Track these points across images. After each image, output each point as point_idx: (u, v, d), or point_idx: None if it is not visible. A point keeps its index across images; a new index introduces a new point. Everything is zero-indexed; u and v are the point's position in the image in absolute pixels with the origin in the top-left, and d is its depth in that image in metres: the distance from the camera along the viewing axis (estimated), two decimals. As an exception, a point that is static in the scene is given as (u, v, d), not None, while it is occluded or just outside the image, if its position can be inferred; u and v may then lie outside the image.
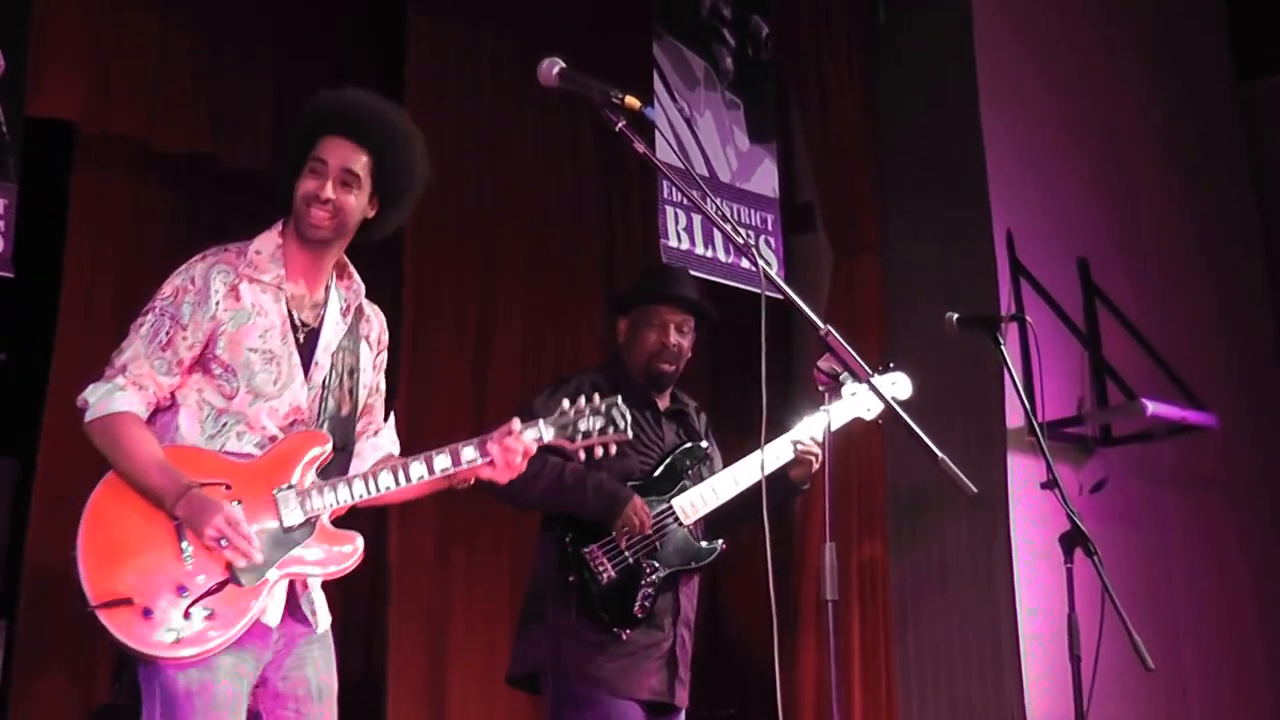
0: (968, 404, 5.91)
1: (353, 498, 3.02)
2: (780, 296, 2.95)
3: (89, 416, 2.94)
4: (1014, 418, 5.92)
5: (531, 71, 2.97)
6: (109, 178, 5.39)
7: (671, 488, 4.03)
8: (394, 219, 3.16)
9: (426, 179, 3.15)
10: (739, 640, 6.32)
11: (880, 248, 6.37)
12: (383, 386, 3.27)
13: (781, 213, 6.16)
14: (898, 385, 4.08)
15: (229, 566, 2.89)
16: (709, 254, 5.85)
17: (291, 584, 3.00)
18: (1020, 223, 6.22)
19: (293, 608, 3.01)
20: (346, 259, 3.18)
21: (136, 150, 5.38)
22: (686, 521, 3.99)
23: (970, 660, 5.99)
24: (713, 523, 4.08)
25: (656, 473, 4.03)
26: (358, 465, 3.15)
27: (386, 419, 3.27)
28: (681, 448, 4.09)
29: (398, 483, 3.04)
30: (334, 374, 3.10)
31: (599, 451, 3.16)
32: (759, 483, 3.75)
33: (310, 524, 2.98)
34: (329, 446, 3.03)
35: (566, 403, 3.17)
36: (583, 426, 3.16)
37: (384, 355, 3.26)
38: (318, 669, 3.04)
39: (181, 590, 2.84)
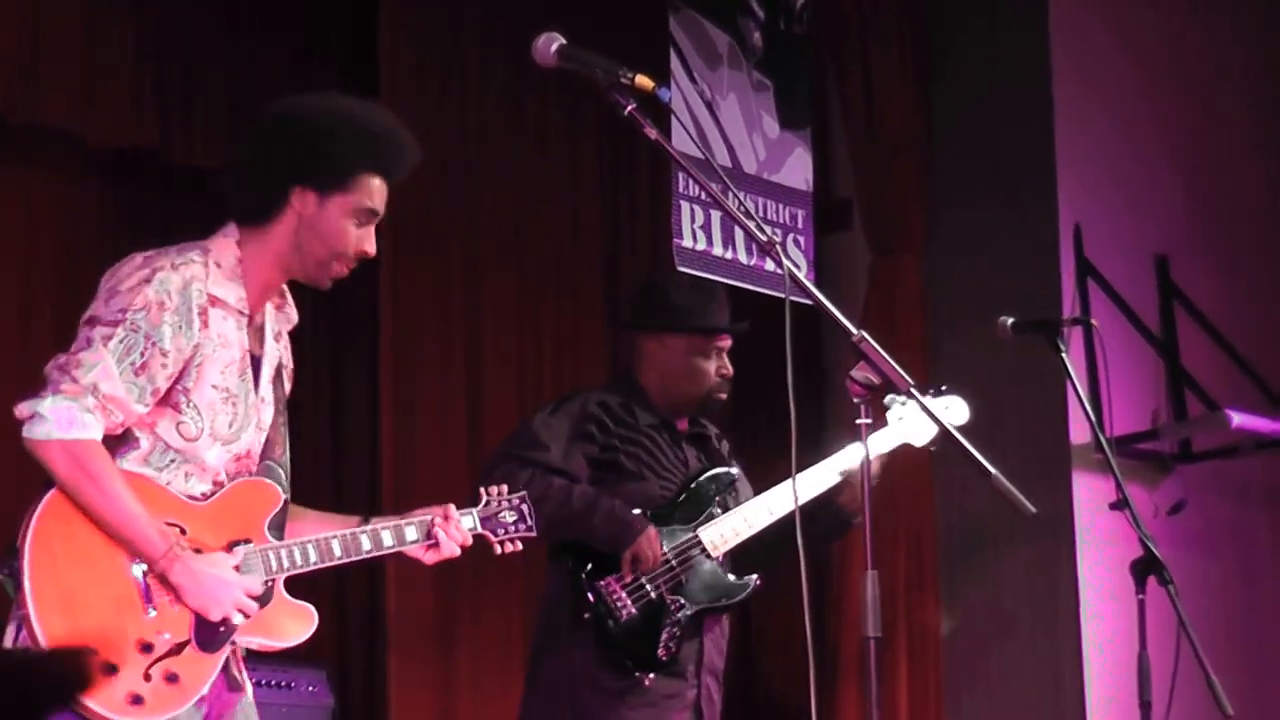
0: (1026, 419, 5.90)
1: (309, 564, 3.01)
2: (808, 301, 2.91)
3: (44, 434, 2.78)
4: (1079, 433, 5.91)
5: (524, 49, 2.95)
6: (38, 174, 5.32)
7: (697, 516, 4.03)
8: None
9: None
10: (774, 692, 6.27)
11: (925, 245, 6.34)
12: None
13: (814, 208, 6.12)
14: (951, 410, 4.07)
15: (195, 625, 2.85)
16: (728, 255, 5.82)
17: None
18: (1090, 216, 6.21)
19: (226, 672, 2.97)
20: None
21: (71, 144, 5.29)
22: (716, 554, 3.99)
23: (1028, 703, 5.98)
24: (738, 557, 4.06)
25: (679, 499, 4.04)
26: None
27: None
28: (706, 473, 4.10)
29: (347, 555, 3.05)
30: (270, 408, 3.06)
31: (508, 548, 3.28)
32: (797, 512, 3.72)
33: (270, 588, 2.96)
34: (284, 501, 3.02)
35: (484, 494, 3.29)
36: (505, 519, 3.28)
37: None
38: None
39: (145, 647, 2.80)
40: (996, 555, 6.12)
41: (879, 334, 3.02)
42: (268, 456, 3.03)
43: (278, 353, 3.10)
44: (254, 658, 3.05)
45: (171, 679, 2.80)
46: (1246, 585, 6.36)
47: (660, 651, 3.88)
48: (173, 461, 2.90)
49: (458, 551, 3.18)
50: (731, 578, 4.03)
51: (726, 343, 4.13)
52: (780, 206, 6.05)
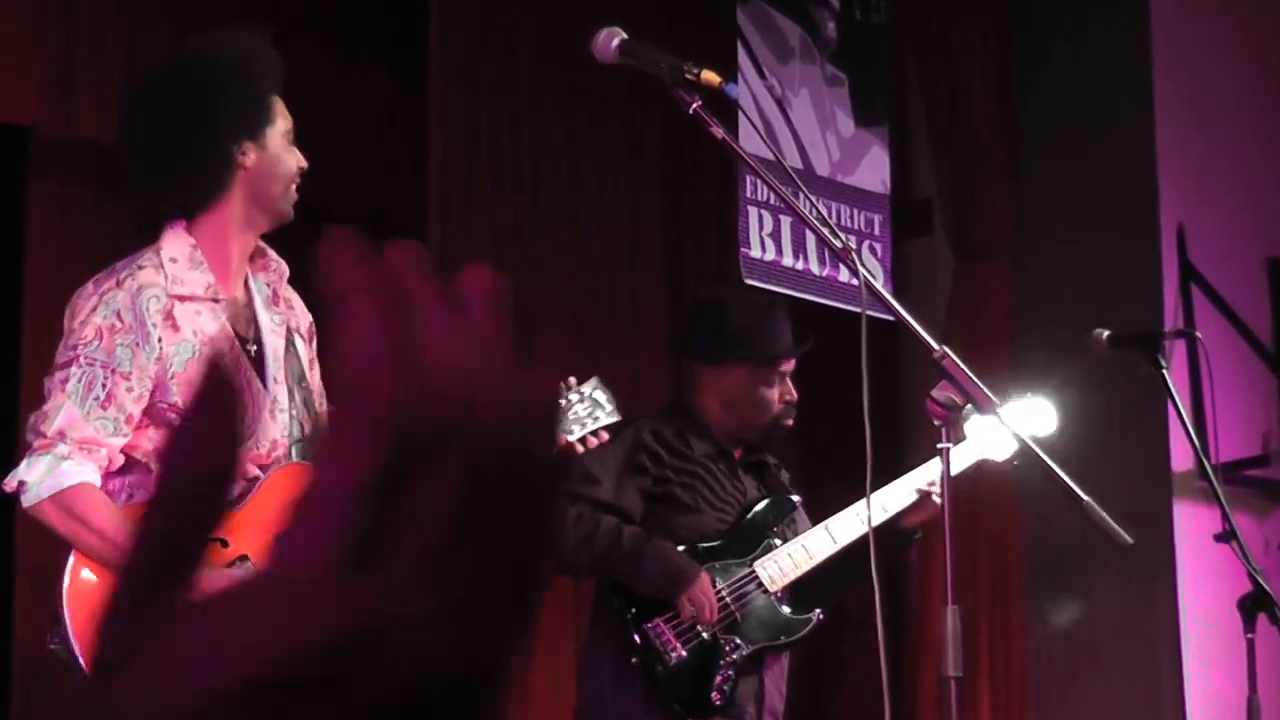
0: (1123, 442, 5.87)
1: None
2: (888, 315, 2.94)
3: (31, 500, 2.89)
4: (1181, 458, 5.88)
5: (582, 41, 2.98)
6: (71, 185, 5.44)
7: (754, 548, 4.03)
8: None
9: None
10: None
11: (1012, 251, 6.33)
12: (323, 389, 3.24)
13: (891, 212, 6.13)
14: (1038, 416, 4.05)
15: None
16: (799, 266, 5.80)
17: None
18: (1193, 216, 6.18)
19: None
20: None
21: (104, 156, 5.40)
22: (773, 588, 3.99)
23: (1127, 754, 5.95)
24: (799, 589, 4.06)
25: (734, 530, 4.05)
26: None
27: None
28: (765, 502, 4.11)
29: None
30: (285, 388, 3.09)
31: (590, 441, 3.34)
32: (862, 538, 3.74)
33: None
34: None
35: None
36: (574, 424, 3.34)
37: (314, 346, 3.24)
38: None
39: None
40: (1089, 588, 6.10)
41: (961, 348, 3.03)
42: (297, 440, 3.06)
43: (281, 320, 3.13)
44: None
45: None
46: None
47: (714, 695, 3.88)
48: None
49: None
50: (789, 611, 4.03)
51: (790, 366, 4.13)
52: (855, 211, 6.05)
